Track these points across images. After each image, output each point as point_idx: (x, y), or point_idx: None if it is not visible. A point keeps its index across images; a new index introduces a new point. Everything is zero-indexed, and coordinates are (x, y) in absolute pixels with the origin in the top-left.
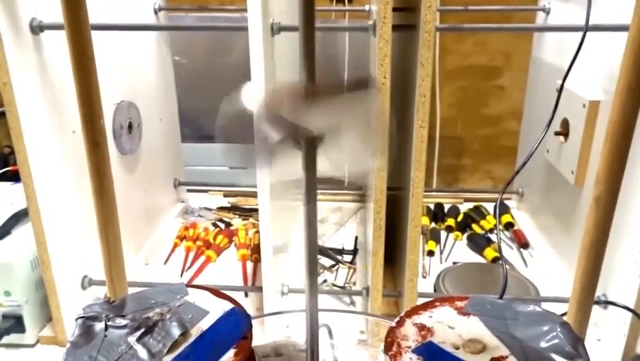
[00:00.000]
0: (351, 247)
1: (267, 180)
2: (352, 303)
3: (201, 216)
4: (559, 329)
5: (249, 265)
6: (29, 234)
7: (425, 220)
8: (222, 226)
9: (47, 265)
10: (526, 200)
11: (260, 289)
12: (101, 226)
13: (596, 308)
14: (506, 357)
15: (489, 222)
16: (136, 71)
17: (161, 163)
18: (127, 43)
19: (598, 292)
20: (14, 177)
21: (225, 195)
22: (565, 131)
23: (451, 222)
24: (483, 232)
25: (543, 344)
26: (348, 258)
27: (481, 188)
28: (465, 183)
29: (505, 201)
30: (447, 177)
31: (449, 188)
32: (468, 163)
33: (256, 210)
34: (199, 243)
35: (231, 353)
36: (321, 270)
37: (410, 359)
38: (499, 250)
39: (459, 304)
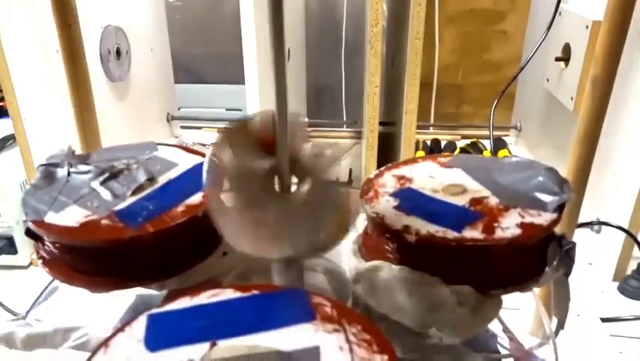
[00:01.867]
0: (346, 180)
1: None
2: None
3: None
4: (544, 173)
5: None
6: (17, 156)
7: (421, 154)
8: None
9: None
10: (524, 135)
11: None
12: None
13: (588, 232)
14: (487, 197)
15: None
16: None
17: (152, 95)
18: None
19: (591, 217)
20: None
21: (219, 132)
22: (566, 56)
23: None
24: None
25: (527, 186)
26: None
27: (478, 123)
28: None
29: (503, 137)
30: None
31: (446, 123)
32: (467, 111)
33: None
34: None
35: (199, 195)
36: None
37: (387, 201)
38: None
39: (442, 160)
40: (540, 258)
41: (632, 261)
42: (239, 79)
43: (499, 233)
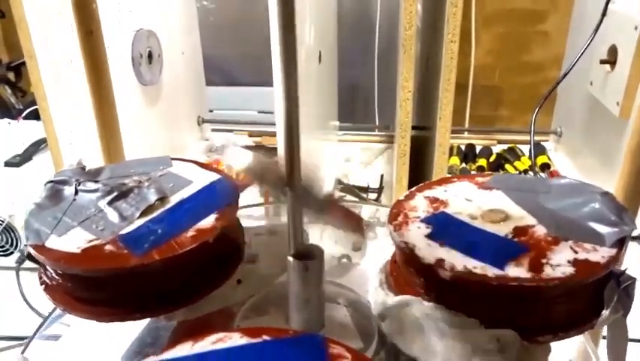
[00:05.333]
0: (377, 186)
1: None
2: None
3: None
4: (599, 199)
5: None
6: (48, 160)
7: (455, 160)
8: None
9: None
10: (565, 140)
11: None
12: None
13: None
14: (533, 226)
15: (523, 163)
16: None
17: (183, 98)
18: None
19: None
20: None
21: (250, 135)
22: (612, 59)
23: (482, 162)
24: (517, 172)
25: (579, 214)
26: (373, 196)
27: (515, 128)
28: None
29: (542, 143)
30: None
31: (482, 128)
32: (504, 114)
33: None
34: None
35: (212, 218)
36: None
37: (418, 228)
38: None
39: (480, 180)
40: (595, 298)
41: None
42: (270, 81)
43: (548, 271)
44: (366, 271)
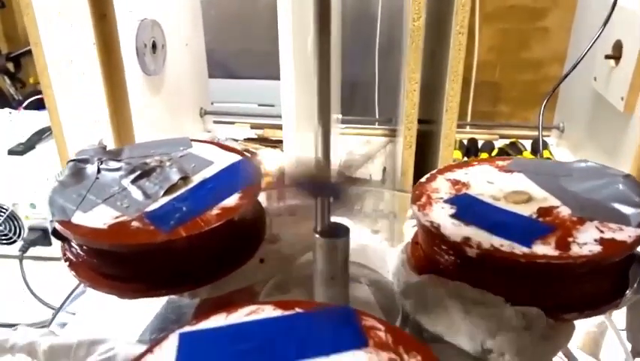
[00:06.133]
0: (379, 178)
1: (293, 113)
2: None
3: None
4: (622, 181)
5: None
6: (53, 149)
7: (457, 154)
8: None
9: None
10: (567, 136)
11: None
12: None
13: None
14: (557, 207)
15: (525, 158)
16: None
17: (186, 89)
18: None
19: None
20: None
21: (252, 127)
22: (617, 54)
23: (484, 156)
24: None
25: (603, 195)
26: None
27: (516, 123)
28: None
29: (544, 138)
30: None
31: (484, 122)
32: (504, 111)
33: (282, 141)
34: None
35: (235, 197)
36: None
37: (442, 208)
38: None
39: (500, 163)
40: (619, 278)
41: None
42: (272, 74)
43: (575, 250)
44: (385, 253)
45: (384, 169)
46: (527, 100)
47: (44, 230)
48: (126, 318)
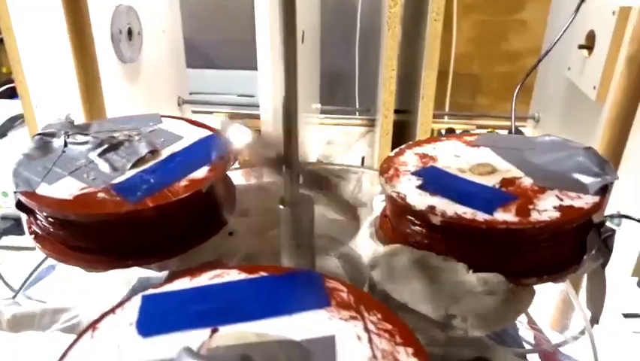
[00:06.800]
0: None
1: (271, 103)
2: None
3: None
4: (582, 153)
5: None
6: (25, 136)
7: None
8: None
9: None
10: (543, 125)
11: None
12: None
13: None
14: (520, 178)
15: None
16: None
17: (164, 78)
18: None
19: (611, 210)
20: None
21: (231, 117)
22: (590, 44)
23: None
24: None
25: (564, 166)
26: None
27: (495, 113)
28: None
29: (520, 128)
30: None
31: (462, 112)
32: (483, 102)
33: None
34: None
35: (204, 169)
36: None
37: (409, 180)
38: None
39: (468, 138)
40: (578, 245)
41: None
42: (251, 65)
43: (535, 216)
44: (355, 228)
45: (363, 158)
46: (506, 92)
47: (17, 219)
48: (94, 296)
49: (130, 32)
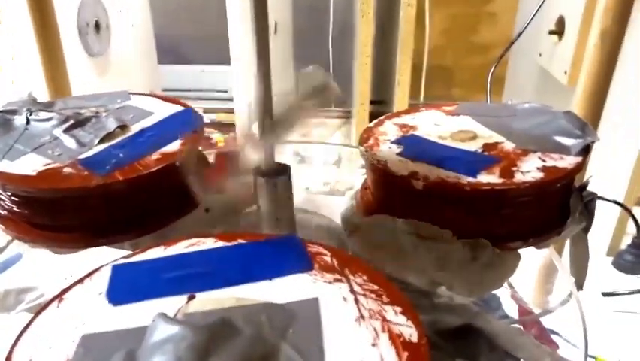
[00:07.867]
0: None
1: (245, 98)
2: None
3: None
4: (562, 117)
5: None
6: None
7: None
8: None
9: None
10: None
11: None
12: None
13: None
14: (502, 142)
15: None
16: None
17: (134, 72)
18: None
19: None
20: None
21: (205, 112)
22: (560, 29)
23: None
24: None
25: (545, 130)
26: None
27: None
28: None
29: None
30: None
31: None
32: (458, 94)
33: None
34: None
35: (176, 143)
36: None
37: (389, 148)
38: None
39: (447, 108)
40: (561, 210)
41: (626, 236)
42: (224, 60)
43: (519, 177)
44: (336, 202)
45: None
46: (479, 83)
47: None
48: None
49: (97, 25)
